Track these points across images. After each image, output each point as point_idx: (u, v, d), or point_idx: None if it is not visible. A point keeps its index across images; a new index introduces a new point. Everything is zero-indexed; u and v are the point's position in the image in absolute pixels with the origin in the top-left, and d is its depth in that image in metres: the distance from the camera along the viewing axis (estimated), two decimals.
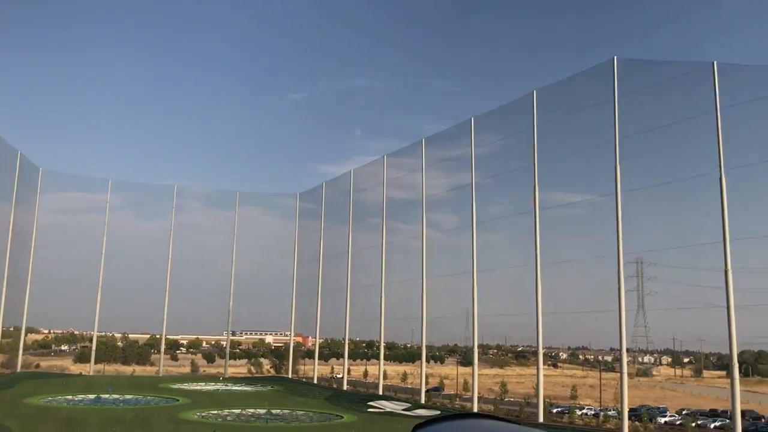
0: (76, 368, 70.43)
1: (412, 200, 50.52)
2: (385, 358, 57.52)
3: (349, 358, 61.94)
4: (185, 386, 51.25)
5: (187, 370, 77.38)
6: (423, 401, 45.12)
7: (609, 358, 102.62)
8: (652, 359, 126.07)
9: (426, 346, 48.38)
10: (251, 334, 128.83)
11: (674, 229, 34.85)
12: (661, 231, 38.41)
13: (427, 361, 51.05)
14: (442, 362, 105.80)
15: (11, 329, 56.92)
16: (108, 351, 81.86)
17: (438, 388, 58.94)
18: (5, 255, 51.96)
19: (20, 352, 58.34)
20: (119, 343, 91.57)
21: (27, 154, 56.94)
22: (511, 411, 41.19)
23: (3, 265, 51.71)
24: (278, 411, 37.98)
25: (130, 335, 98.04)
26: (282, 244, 69.77)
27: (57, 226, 63.30)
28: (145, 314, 74.84)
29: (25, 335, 61.35)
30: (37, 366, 66.69)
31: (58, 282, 61.55)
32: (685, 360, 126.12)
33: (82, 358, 77.28)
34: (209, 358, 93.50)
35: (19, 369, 56.52)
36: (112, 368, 74.95)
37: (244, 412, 36.97)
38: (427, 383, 49.53)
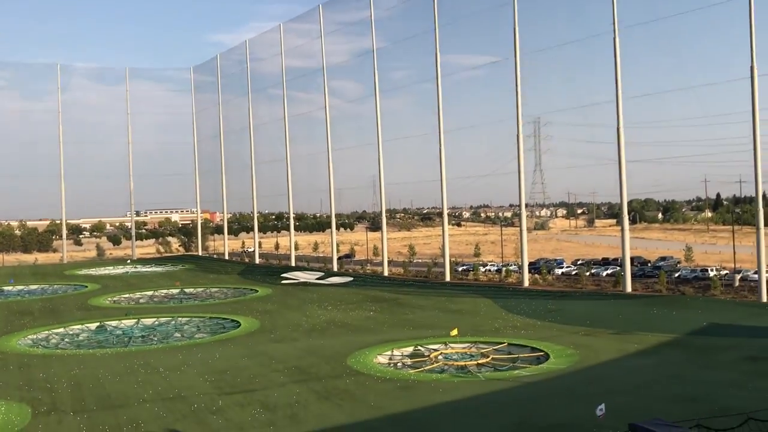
0: None
1: (314, 69, 49.36)
2: (295, 229, 58.15)
3: (259, 231, 62.29)
4: (92, 271, 50.50)
5: (92, 254, 75.72)
6: (335, 269, 46.41)
7: (509, 214, 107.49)
8: (549, 213, 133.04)
9: (335, 215, 49.13)
10: (157, 213, 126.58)
11: (570, 90, 35.82)
12: (558, 92, 39.45)
13: (337, 229, 52.03)
14: (351, 229, 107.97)
15: None
16: (5, 240, 78.76)
17: (349, 255, 60.45)
18: None
19: None
20: (17, 231, 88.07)
21: None
22: (419, 272, 43.03)
23: None
24: (192, 289, 38.24)
25: (28, 222, 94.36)
26: (180, 120, 67.50)
27: None
28: (41, 200, 71.81)
29: None
30: None
31: None
32: (579, 211, 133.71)
33: None
34: (115, 241, 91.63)
35: None
36: (12, 258, 72.46)
37: (156, 294, 37.02)
38: (338, 251, 50.69)
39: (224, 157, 61.17)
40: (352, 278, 40.71)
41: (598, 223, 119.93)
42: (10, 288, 40.56)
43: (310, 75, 50.66)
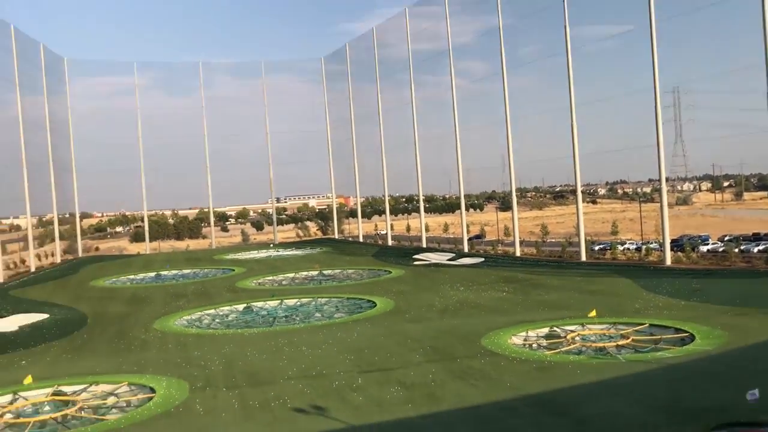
0: (133, 248, 73.67)
1: (440, 51, 49.28)
2: (425, 211, 58.66)
3: (390, 213, 63.30)
4: (238, 256, 53.36)
5: (238, 239, 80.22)
6: (466, 250, 46.42)
7: (648, 190, 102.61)
8: (692, 186, 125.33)
9: (464, 196, 49.05)
10: (295, 199, 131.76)
11: (710, 55, 33.67)
12: (697, 58, 37.14)
13: (467, 209, 51.95)
14: (481, 209, 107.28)
15: (67, 215, 59.19)
16: (160, 229, 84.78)
17: (479, 236, 60.29)
18: (47, 146, 53.11)
19: (78, 237, 61.03)
20: (170, 220, 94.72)
21: (49, 44, 56.52)
22: (553, 252, 42.20)
23: (47, 157, 53.01)
24: (329, 271, 39.62)
25: (179, 211, 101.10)
26: (313, 109, 69.57)
27: (90, 113, 63.93)
28: (190, 190, 76.90)
29: (80, 221, 63.85)
30: (97, 249, 69.83)
31: (102, 166, 63.13)
32: (725, 184, 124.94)
33: (137, 237, 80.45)
34: (258, 227, 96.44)
35: (80, 254, 59.36)
36: (167, 245, 78.03)
37: (297, 276, 38.69)
38: (468, 232, 50.62)
39: (355, 143, 62.49)
40: (483, 259, 40.59)
41: (746, 195, 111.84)
42: (166, 272, 43.80)
43: (436, 57, 50.64)
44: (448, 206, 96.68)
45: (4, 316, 26.86)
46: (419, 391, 14.29)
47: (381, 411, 13.20)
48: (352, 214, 75.08)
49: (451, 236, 58.34)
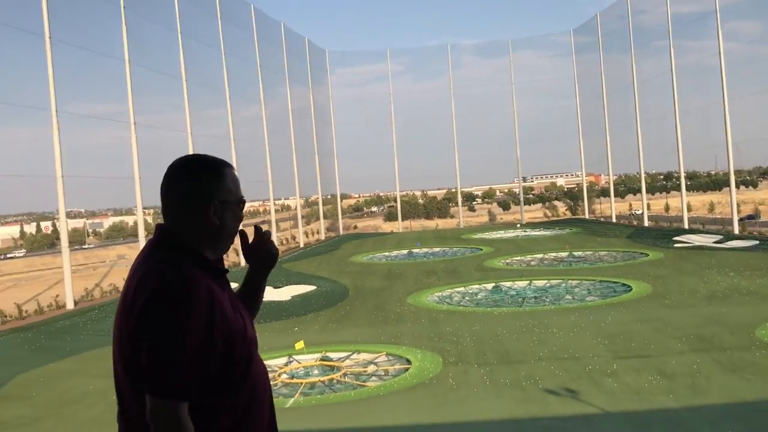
0: (386, 227, 77.79)
1: (704, 12, 44.95)
2: (687, 189, 54.24)
3: (646, 192, 59.56)
4: (486, 235, 53.91)
5: (485, 219, 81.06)
6: (736, 231, 42.14)
7: None
8: None
9: (734, 172, 44.47)
10: (542, 178, 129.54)
11: None
12: None
13: (737, 187, 47.04)
14: (755, 186, 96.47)
15: (329, 197, 64.31)
16: (411, 208, 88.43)
17: (753, 216, 54.25)
18: (313, 133, 58.07)
19: (339, 216, 66.03)
20: (420, 200, 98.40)
21: (312, 39, 61.55)
22: None
23: (313, 143, 57.98)
24: (580, 253, 38.43)
25: (428, 192, 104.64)
26: (561, 85, 67.61)
27: (349, 101, 68.62)
28: (438, 171, 79.19)
29: (341, 201, 68.98)
30: (355, 227, 75.00)
31: (360, 151, 67.57)
32: None
33: (390, 217, 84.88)
34: (504, 206, 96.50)
35: (341, 232, 64.18)
36: (417, 224, 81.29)
37: (546, 257, 38.08)
38: (738, 212, 45.87)
39: (607, 117, 59.64)
40: (758, 242, 36.55)
41: None
42: (417, 250, 45.65)
43: (699, 19, 46.29)
44: (714, 183, 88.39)
45: (279, 287, 29.91)
46: (681, 381, 13.29)
47: (638, 399, 12.52)
48: (604, 193, 71.91)
49: (718, 216, 53.38)
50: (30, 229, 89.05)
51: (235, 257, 40.13)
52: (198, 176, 2.21)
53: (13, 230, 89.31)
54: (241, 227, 2.38)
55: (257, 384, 2.25)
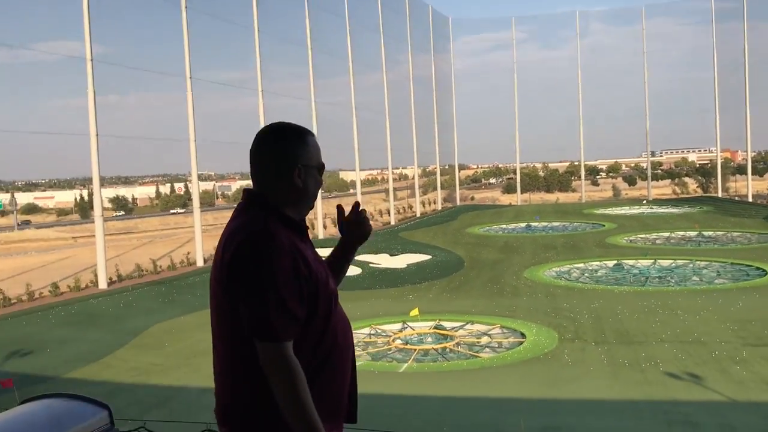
0: (504, 199, 76.70)
1: None
2: None
3: None
4: (609, 211, 52.06)
5: (608, 194, 78.21)
6: None
7: None
8: None
9: None
10: (672, 153, 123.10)
11: None
12: None
13: None
14: None
15: (447, 167, 64.11)
16: (531, 181, 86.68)
17: None
18: (433, 102, 57.91)
19: (457, 187, 65.74)
20: (541, 173, 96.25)
21: (436, 6, 61.05)
22: None
23: (433, 112, 57.85)
24: (710, 233, 36.38)
25: (549, 164, 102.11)
26: (698, 54, 63.58)
27: (470, 69, 67.70)
28: (561, 143, 76.95)
29: (459, 172, 68.60)
30: (472, 199, 74.49)
31: (479, 121, 66.68)
32: None
33: (509, 189, 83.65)
34: (630, 182, 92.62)
35: (458, 202, 63.95)
36: (537, 197, 79.66)
37: (673, 235, 36.34)
38: None
39: (748, 89, 55.60)
40: None
41: None
42: (535, 224, 44.81)
43: None
44: None
45: (395, 255, 30.30)
46: None
47: None
48: (740, 170, 67.50)
49: None
50: (164, 189, 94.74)
51: (332, 229, 41.01)
52: (285, 142, 2.36)
53: (150, 190, 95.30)
54: (339, 202, 2.59)
55: (338, 335, 2.34)
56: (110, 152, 27.13)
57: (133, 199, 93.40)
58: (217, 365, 2.33)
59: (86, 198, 76.70)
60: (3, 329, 18.26)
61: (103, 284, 24.34)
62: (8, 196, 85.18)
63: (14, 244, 54.12)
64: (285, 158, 2.34)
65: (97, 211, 26.14)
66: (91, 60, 24.34)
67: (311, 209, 2.48)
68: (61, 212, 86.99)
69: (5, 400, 10.87)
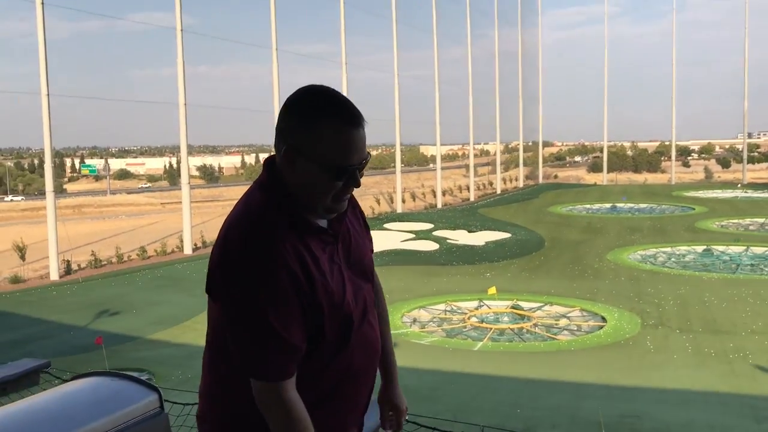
0: (589, 178, 74.65)
1: None
2: None
3: None
4: (700, 194, 49.93)
5: (700, 176, 74.85)
6: None
7: None
8: None
9: None
10: None
11: None
12: None
13: None
14: None
15: (530, 144, 62.85)
16: (618, 160, 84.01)
17: None
18: (518, 77, 56.68)
19: (540, 164, 64.40)
20: (629, 152, 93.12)
21: None
22: None
23: (517, 87, 56.66)
24: None
25: (638, 144, 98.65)
26: None
27: (559, 44, 65.78)
28: (652, 121, 74.06)
29: (542, 149, 67.13)
30: (555, 177, 72.87)
31: (566, 97, 64.85)
32: None
33: (594, 168, 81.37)
34: (724, 164, 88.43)
35: (540, 180, 62.69)
36: (624, 177, 77.12)
37: (767, 222, 34.52)
38: None
39: None
40: None
41: None
42: (621, 205, 43.45)
43: None
44: None
45: (474, 232, 29.98)
46: None
47: None
48: None
49: None
50: (249, 159, 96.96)
51: (411, 203, 41.10)
52: (291, 107, 1.76)
53: (235, 160, 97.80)
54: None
55: (353, 361, 1.82)
56: (198, 121, 27.82)
57: (220, 168, 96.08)
58: (205, 358, 1.92)
59: (174, 166, 79.42)
60: (94, 289, 19.16)
61: (188, 250, 25.14)
62: (102, 161, 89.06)
63: (106, 207, 56.72)
64: (280, 127, 1.77)
65: (184, 179, 26.95)
66: (181, 30, 24.93)
67: (330, 213, 1.78)
68: (151, 178, 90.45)
69: (95, 357, 11.39)
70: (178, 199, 32.52)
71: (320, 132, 1.67)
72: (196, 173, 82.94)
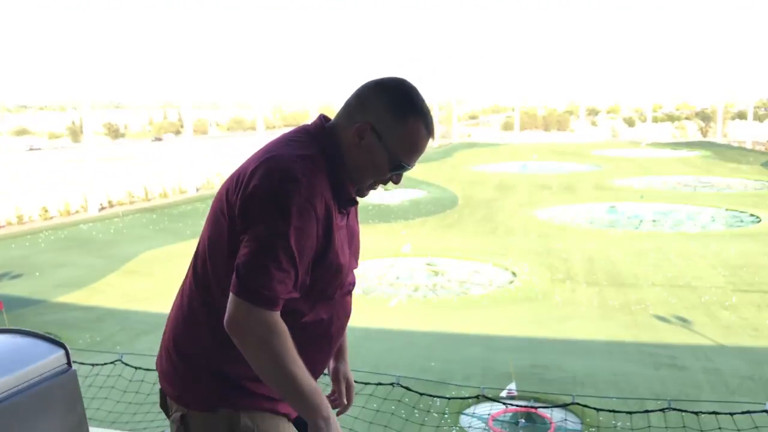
0: (502, 137, 76.23)
1: None
2: None
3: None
4: (606, 152, 51.78)
5: (607, 135, 77.63)
6: None
7: None
8: None
9: None
10: (674, 97, 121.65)
11: None
12: None
13: None
14: None
15: (444, 103, 63.35)
16: (529, 120, 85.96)
17: None
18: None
19: (454, 123, 65.07)
20: (539, 112, 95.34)
21: None
22: None
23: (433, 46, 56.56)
24: (706, 177, 36.30)
25: (548, 105, 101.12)
26: None
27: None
28: (561, 83, 75.64)
29: (457, 108, 67.78)
30: (469, 136, 73.88)
31: (480, 57, 65.36)
32: None
33: (507, 127, 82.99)
34: (629, 123, 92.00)
35: (455, 139, 63.44)
36: (535, 136, 79.10)
37: (669, 179, 36.21)
38: None
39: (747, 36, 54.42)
40: None
41: None
42: (532, 163, 44.40)
43: None
44: None
45: (388, 190, 30.11)
46: None
47: (756, 336, 11.90)
48: (741, 115, 66.97)
49: None
50: (157, 116, 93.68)
51: None
52: (391, 94, 1.80)
53: (141, 117, 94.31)
54: None
55: (323, 321, 1.87)
56: (102, 76, 26.50)
57: (125, 125, 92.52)
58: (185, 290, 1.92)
59: (77, 122, 75.85)
60: None
61: (93, 210, 24.17)
62: None
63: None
64: (365, 102, 1.81)
65: (87, 136, 25.77)
66: None
67: (359, 193, 1.91)
68: (53, 135, 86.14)
69: None
70: (80, 158, 31.11)
71: (405, 126, 1.76)
72: (102, 130, 79.57)
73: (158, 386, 1.90)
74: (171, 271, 16.65)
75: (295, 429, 1.90)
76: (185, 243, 19.28)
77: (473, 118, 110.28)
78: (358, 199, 1.93)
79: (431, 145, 1.82)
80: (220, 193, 1.82)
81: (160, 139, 79.42)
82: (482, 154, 50.59)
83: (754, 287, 14.93)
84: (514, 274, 16.53)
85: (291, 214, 1.66)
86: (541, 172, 40.92)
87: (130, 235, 20.75)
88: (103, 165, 34.21)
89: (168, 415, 1.90)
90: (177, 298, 1.95)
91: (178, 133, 78.96)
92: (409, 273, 17.11)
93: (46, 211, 23.00)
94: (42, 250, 18.68)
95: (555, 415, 8.22)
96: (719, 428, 6.47)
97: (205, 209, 24.89)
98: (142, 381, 5.69)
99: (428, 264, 17.65)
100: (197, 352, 1.83)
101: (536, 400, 8.74)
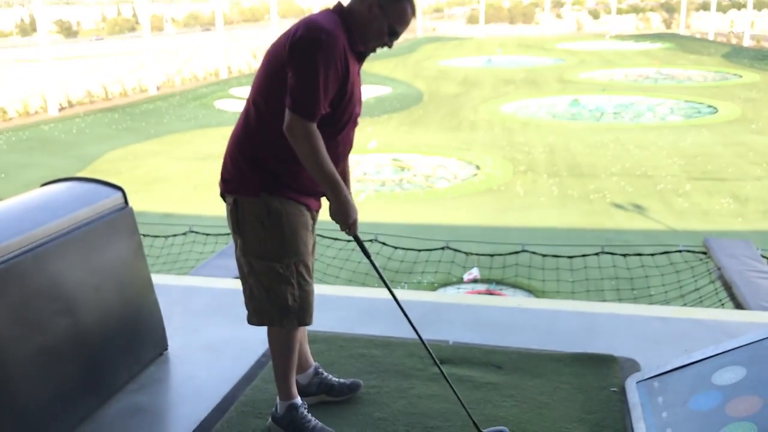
0: (467, 31, 75.01)
1: None
2: None
3: (753, 8, 54.91)
4: (571, 45, 51.59)
5: (571, 28, 76.90)
6: None
7: None
8: None
9: None
10: None
11: None
12: None
13: None
14: None
15: None
16: (495, 12, 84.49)
17: None
18: None
19: (419, 17, 63.63)
20: (504, 4, 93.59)
21: None
22: None
23: None
24: (668, 69, 36.62)
25: None
26: None
27: None
28: None
29: (420, 0, 66.11)
30: (434, 30, 72.54)
31: None
32: None
33: (472, 20, 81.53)
34: (594, 15, 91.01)
35: (419, 34, 62.31)
36: (500, 29, 77.98)
37: (631, 71, 36.47)
38: None
39: None
40: None
41: None
42: (497, 57, 44.14)
43: None
44: None
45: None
46: (754, 206, 13.17)
47: (705, 220, 12.55)
48: (704, 6, 66.69)
49: None
50: (111, 12, 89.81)
51: None
52: None
53: (94, 12, 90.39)
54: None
55: (338, 148, 2.65)
56: None
57: (77, 23, 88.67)
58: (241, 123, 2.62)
59: (26, 20, 72.60)
60: None
61: (53, 111, 23.70)
62: None
63: None
64: None
65: (41, 34, 24.88)
66: None
67: (371, 50, 2.63)
68: (1, 34, 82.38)
69: None
70: (34, 57, 30.07)
71: (399, 7, 2.54)
72: (54, 27, 76.27)
73: None
74: (138, 169, 16.70)
75: (309, 215, 2.68)
76: (150, 141, 19.24)
77: (438, 11, 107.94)
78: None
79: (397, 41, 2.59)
80: (272, 48, 2.56)
81: (101, 39, 75.40)
82: (447, 48, 49.99)
83: (707, 175, 15.57)
84: (477, 167, 16.91)
85: (323, 54, 2.40)
86: (506, 66, 40.76)
87: (93, 135, 20.53)
88: (58, 64, 33.11)
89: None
90: (238, 120, 2.64)
91: (132, 30, 76.10)
92: (376, 169, 17.37)
93: (5, 112, 22.50)
94: (4, 151, 18.46)
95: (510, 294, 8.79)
96: (642, 266, 8.04)
97: (167, 107, 24.64)
98: None
99: (394, 159, 17.91)
100: (253, 153, 2.55)
101: (497, 282, 9.28)
